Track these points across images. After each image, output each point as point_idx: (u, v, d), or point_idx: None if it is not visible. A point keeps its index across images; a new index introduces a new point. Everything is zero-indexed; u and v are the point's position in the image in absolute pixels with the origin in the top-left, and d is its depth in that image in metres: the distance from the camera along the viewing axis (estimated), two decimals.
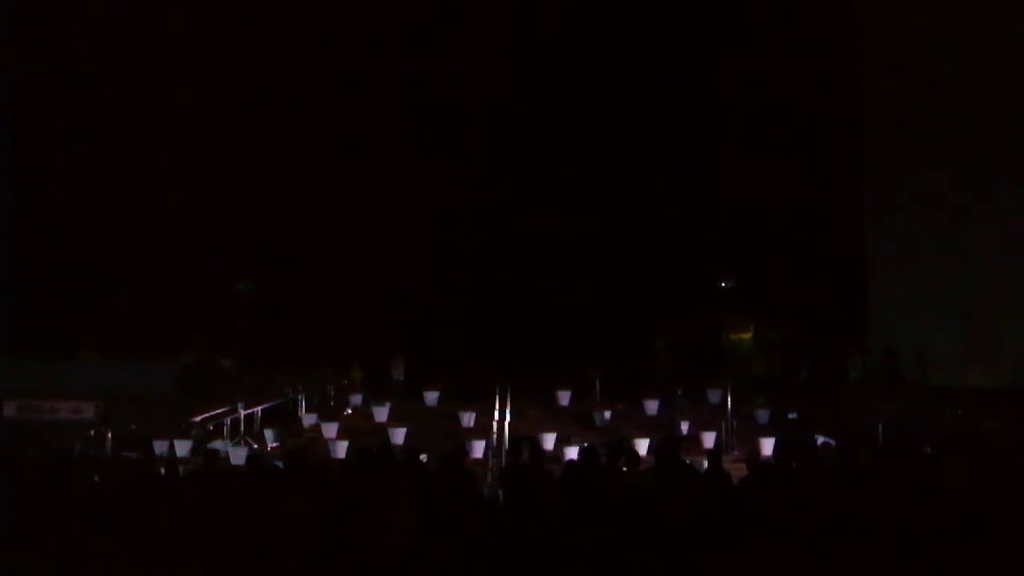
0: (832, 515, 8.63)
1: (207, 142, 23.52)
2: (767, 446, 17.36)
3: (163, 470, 11.97)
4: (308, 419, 20.63)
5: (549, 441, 18.24)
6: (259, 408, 20.55)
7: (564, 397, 20.99)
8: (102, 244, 23.27)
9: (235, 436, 19.51)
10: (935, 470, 9.17)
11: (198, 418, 19.75)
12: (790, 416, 19.49)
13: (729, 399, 18.90)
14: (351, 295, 23.47)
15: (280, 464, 12.23)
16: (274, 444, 19.38)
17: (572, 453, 16.61)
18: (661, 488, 9.28)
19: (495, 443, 17.66)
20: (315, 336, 22.79)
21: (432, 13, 24.17)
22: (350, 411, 21.31)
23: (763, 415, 19.74)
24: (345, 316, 23.18)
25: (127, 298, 22.63)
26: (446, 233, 24.19)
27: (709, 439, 18.48)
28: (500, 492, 11.45)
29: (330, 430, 19.74)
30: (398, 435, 19.02)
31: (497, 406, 18.03)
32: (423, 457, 11.71)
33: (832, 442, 14.30)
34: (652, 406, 20.45)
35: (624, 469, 10.31)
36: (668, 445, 10.07)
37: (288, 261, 23.77)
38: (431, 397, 21.32)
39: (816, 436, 15.75)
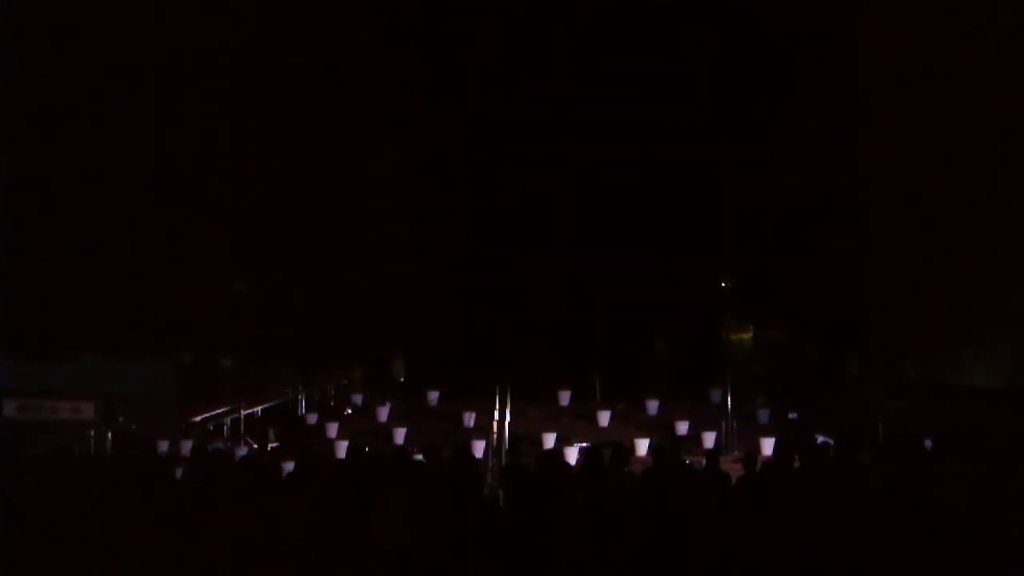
0: (832, 515, 8.63)
1: (207, 141, 23.51)
2: (767, 446, 17.33)
3: (163, 470, 11.97)
4: (309, 419, 20.64)
5: (549, 441, 18.26)
6: (259, 408, 20.57)
7: (564, 397, 21.00)
8: (102, 244, 23.25)
9: (235, 436, 19.52)
10: (936, 469, 9.15)
11: (198, 418, 19.76)
12: (790, 416, 19.49)
13: (729, 399, 18.90)
14: (352, 295, 23.46)
15: (280, 464, 12.24)
16: (274, 444, 19.39)
17: (572, 453, 16.62)
18: (660, 488, 9.29)
19: (495, 443, 17.66)
20: (315, 336, 22.78)
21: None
22: (350, 411, 21.32)
23: (763, 415, 19.75)
24: (345, 316, 23.17)
25: (127, 298, 22.61)
26: (447, 233, 24.17)
27: (709, 439, 18.49)
28: (500, 492, 11.46)
29: (331, 430, 19.76)
30: (399, 435, 19.05)
31: (497, 406, 18.03)
32: (420, 457, 11.71)
33: (832, 442, 14.28)
34: (652, 406, 20.48)
35: (624, 470, 10.30)
36: (667, 445, 10.09)
37: (288, 261, 23.75)
38: (432, 397, 21.33)
39: (816, 436, 15.72)
